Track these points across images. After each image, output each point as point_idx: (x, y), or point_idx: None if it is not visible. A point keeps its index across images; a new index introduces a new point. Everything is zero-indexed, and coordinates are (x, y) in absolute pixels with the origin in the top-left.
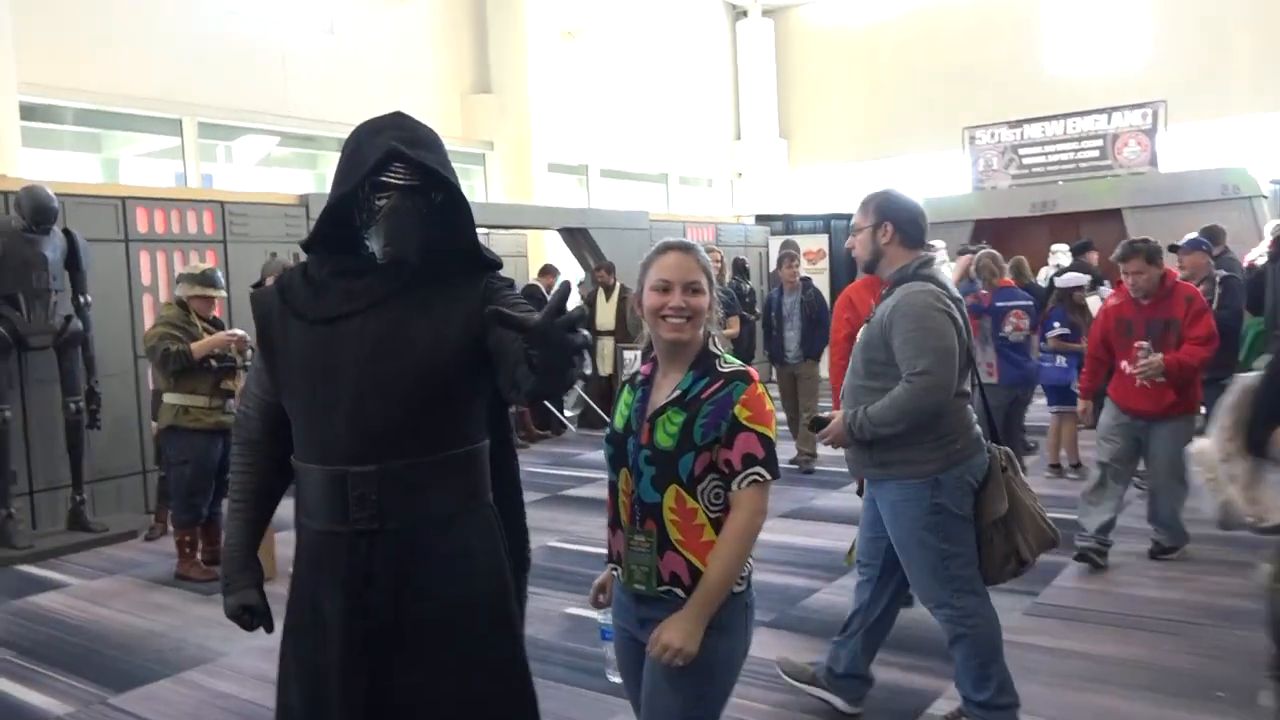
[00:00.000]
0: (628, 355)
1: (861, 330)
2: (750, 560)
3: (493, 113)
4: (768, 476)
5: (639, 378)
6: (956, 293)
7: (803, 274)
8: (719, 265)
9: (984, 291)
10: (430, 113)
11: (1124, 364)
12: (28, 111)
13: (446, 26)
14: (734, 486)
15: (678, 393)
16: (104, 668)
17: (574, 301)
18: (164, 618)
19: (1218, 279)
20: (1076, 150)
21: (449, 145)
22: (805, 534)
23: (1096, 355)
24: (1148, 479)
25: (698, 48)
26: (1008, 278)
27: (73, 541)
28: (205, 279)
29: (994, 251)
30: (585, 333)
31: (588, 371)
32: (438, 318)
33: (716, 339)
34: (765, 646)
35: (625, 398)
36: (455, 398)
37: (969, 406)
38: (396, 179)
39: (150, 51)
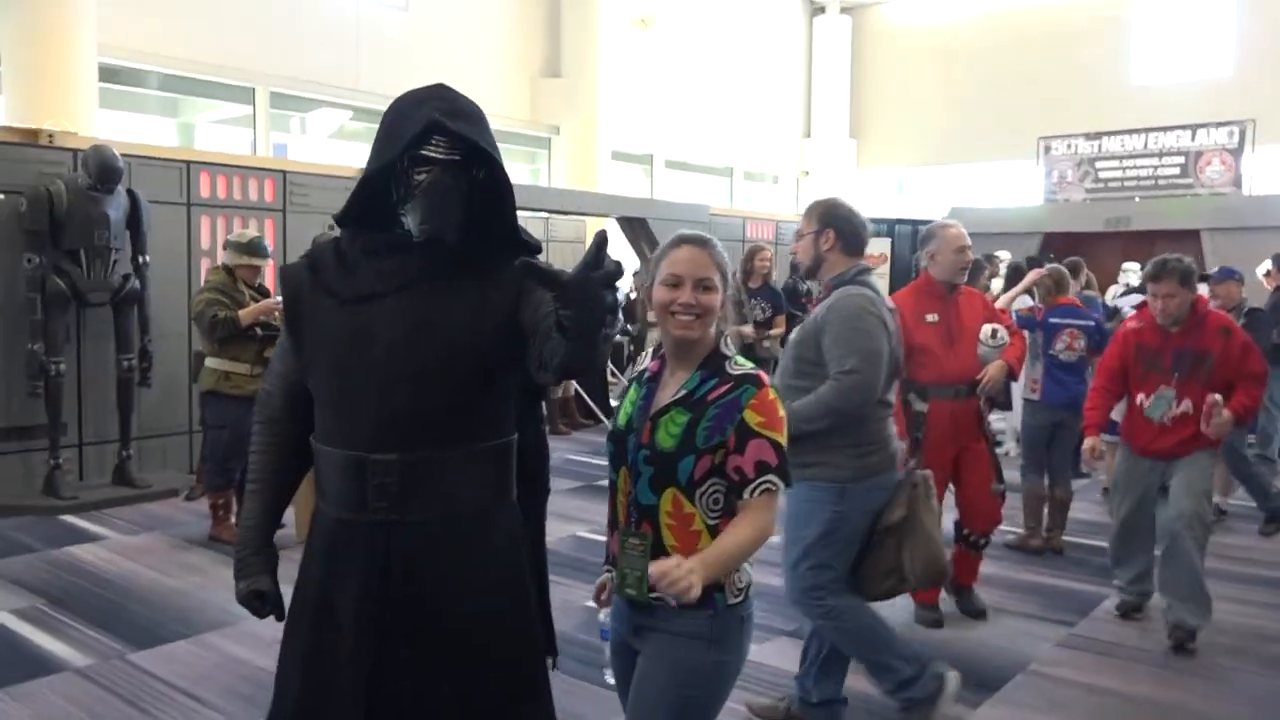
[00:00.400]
0: None
1: (795, 329)
2: (750, 572)
3: (561, 97)
4: (781, 485)
5: (645, 374)
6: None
7: None
8: (767, 265)
9: (1038, 305)
10: (499, 94)
11: (1140, 398)
12: (108, 74)
13: (519, 8)
14: (745, 494)
15: (683, 392)
16: (128, 623)
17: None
18: (192, 578)
19: (1244, 309)
20: (1156, 166)
21: (515, 128)
22: None
23: (1108, 387)
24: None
25: (771, 41)
26: (1071, 295)
27: (116, 495)
28: (251, 248)
29: (1060, 267)
30: (619, 290)
31: (618, 333)
32: (472, 301)
33: (728, 338)
34: (785, 656)
35: (631, 394)
36: (486, 387)
37: (890, 420)
38: (437, 153)
39: (227, 20)
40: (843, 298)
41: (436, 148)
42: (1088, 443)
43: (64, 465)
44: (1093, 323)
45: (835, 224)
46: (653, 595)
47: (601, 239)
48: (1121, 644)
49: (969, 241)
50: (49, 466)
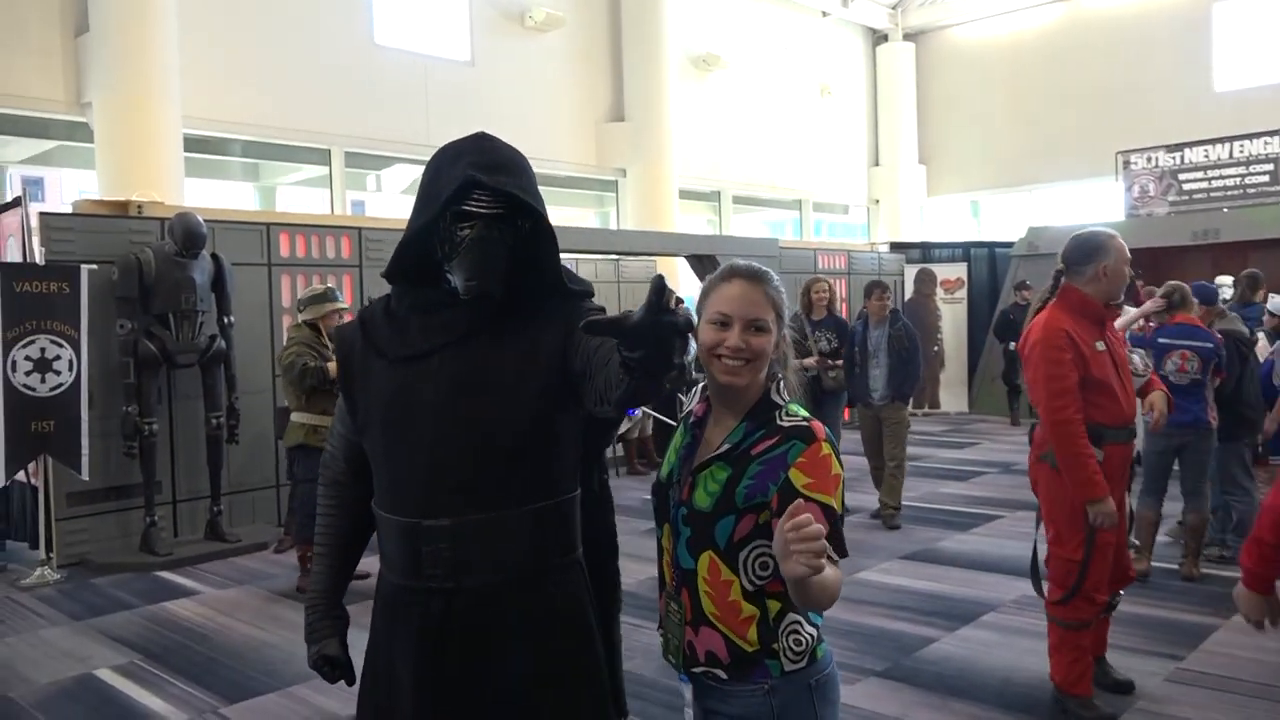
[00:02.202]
0: None
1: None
2: (814, 631)
3: (626, 140)
4: (834, 558)
5: (691, 418)
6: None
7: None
8: (825, 296)
9: (1151, 324)
10: (565, 140)
11: None
12: (193, 144)
13: (582, 56)
14: None
15: (726, 446)
16: (220, 677)
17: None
18: (281, 630)
19: None
20: (1244, 175)
21: (582, 173)
22: (926, 578)
23: None
24: None
25: (835, 72)
26: (1193, 314)
27: (208, 550)
28: (328, 295)
29: (1181, 284)
30: (688, 312)
31: (691, 357)
32: (521, 355)
33: (783, 384)
34: (876, 699)
35: (676, 440)
36: (541, 445)
37: None
38: (479, 208)
39: (302, 86)
40: None
41: (478, 203)
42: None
43: (159, 522)
44: (1211, 344)
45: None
46: (695, 669)
47: (660, 282)
48: (1237, 678)
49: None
50: (145, 524)
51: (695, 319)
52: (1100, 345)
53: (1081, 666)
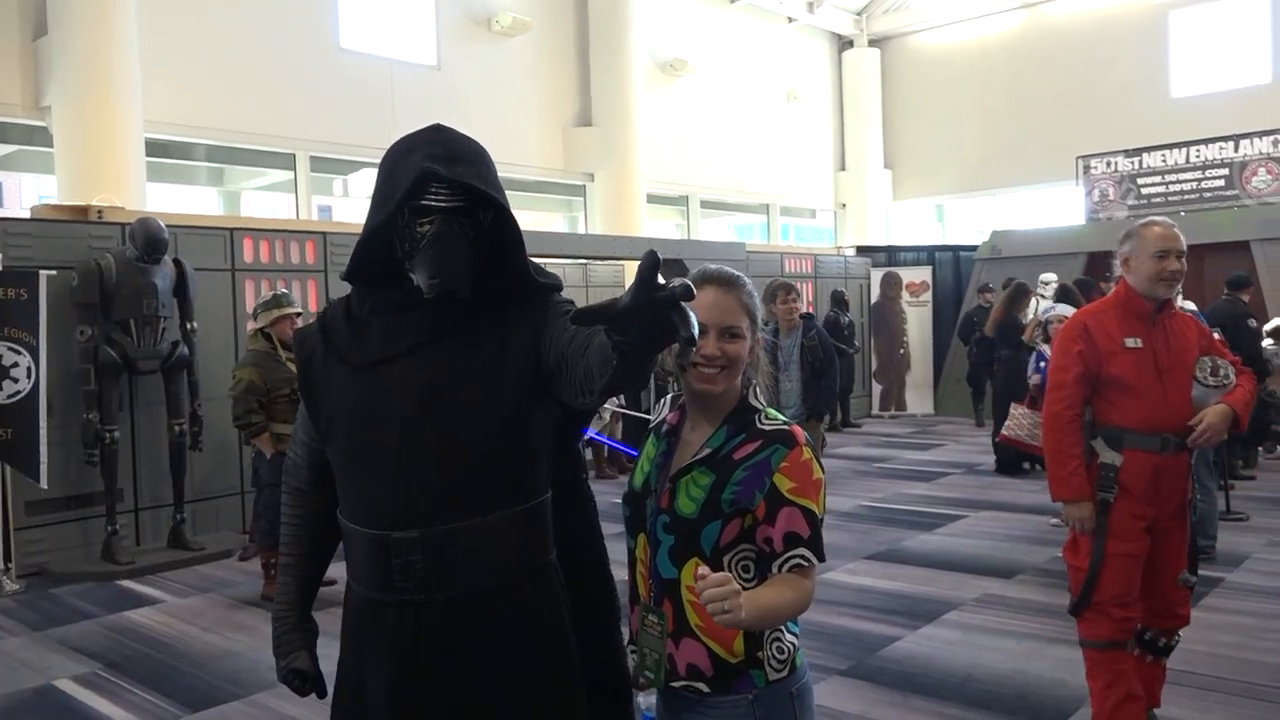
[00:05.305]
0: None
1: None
2: (793, 640)
3: (594, 145)
4: (813, 561)
5: (664, 427)
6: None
7: (806, 310)
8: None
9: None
10: (532, 145)
11: None
12: (156, 148)
13: (549, 61)
14: (774, 569)
15: (707, 451)
16: (182, 685)
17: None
18: (244, 638)
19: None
20: (1200, 180)
21: (550, 177)
22: (889, 577)
23: None
24: None
25: (801, 77)
26: None
27: (171, 559)
28: (278, 301)
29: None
30: (684, 282)
31: (695, 332)
32: (490, 356)
33: (758, 388)
34: (839, 697)
35: (648, 450)
36: (513, 449)
37: None
38: (438, 201)
39: (266, 89)
40: None
41: (436, 196)
42: None
43: (120, 531)
44: None
45: None
46: (674, 684)
47: (653, 258)
48: (1220, 675)
49: (1180, 244)
50: (106, 533)
51: (692, 286)
52: (1133, 342)
53: (1115, 697)
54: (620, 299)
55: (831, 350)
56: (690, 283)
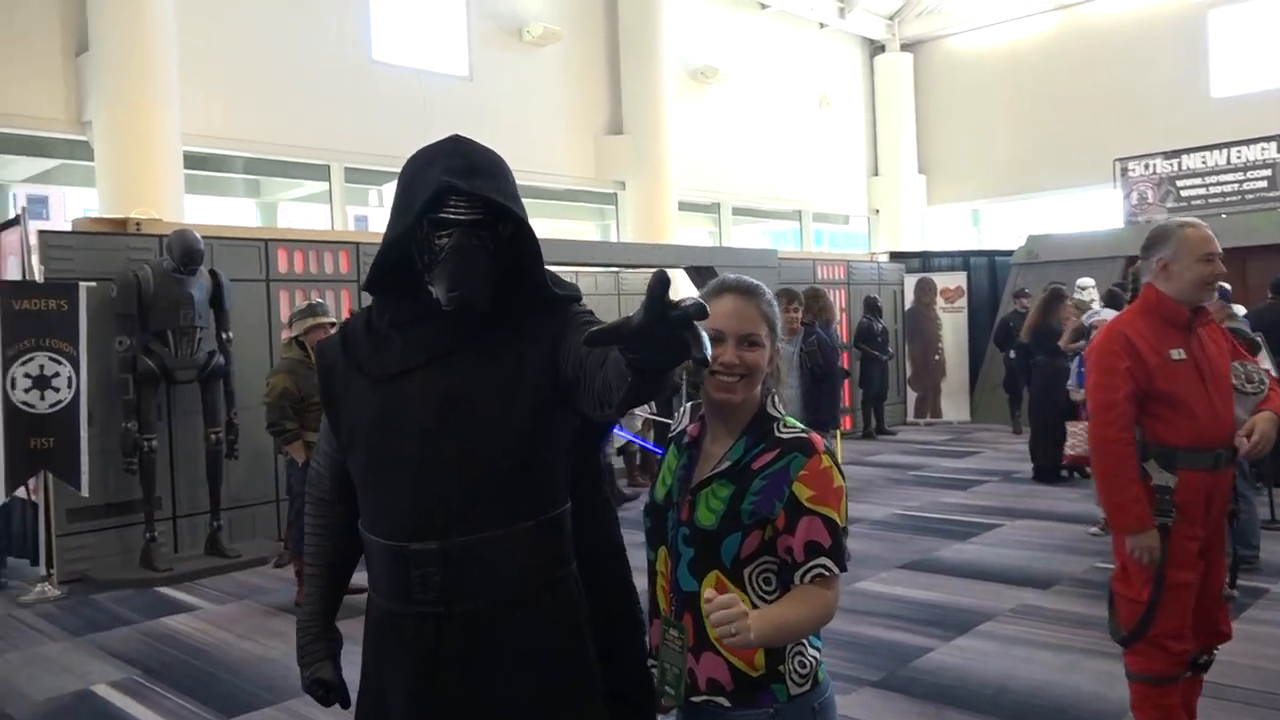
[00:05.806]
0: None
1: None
2: (816, 654)
3: (625, 153)
4: (835, 571)
5: (685, 439)
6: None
7: (808, 320)
8: (792, 311)
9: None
10: (564, 153)
11: None
12: (194, 161)
13: (580, 70)
14: (796, 579)
15: (727, 464)
16: (217, 692)
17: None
18: (278, 644)
19: None
20: (1241, 181)
21: (582, 185)
22: (923, 587)
23: None
24: None
25: (833, 83)
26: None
27: (208, 566)
28: (313, 310)
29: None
30: (697, 300)
31: (708, 353)
32: (508, 369)
33: (776, 397)
34: (871, 709)
35: (670, 461)
36: (531, 461)
37: None
38: (457, 214)
39: (302, 102)
40: None
41: (455, 209)
42: None
43: (159, 538)
44: None
45: None
46: (695, 698)
47: (661, 278)
48: (1234, 685)
49: (1218, 247)
50: (145, 540)
51: (705, 305)
52: (1177, 354)
53: None
54: (633, 318)
55: (832, 356)
56: (703, 301)
